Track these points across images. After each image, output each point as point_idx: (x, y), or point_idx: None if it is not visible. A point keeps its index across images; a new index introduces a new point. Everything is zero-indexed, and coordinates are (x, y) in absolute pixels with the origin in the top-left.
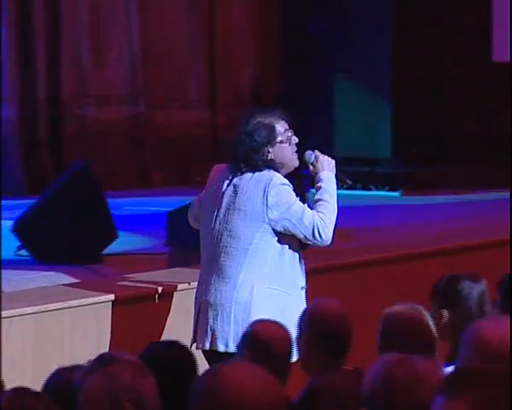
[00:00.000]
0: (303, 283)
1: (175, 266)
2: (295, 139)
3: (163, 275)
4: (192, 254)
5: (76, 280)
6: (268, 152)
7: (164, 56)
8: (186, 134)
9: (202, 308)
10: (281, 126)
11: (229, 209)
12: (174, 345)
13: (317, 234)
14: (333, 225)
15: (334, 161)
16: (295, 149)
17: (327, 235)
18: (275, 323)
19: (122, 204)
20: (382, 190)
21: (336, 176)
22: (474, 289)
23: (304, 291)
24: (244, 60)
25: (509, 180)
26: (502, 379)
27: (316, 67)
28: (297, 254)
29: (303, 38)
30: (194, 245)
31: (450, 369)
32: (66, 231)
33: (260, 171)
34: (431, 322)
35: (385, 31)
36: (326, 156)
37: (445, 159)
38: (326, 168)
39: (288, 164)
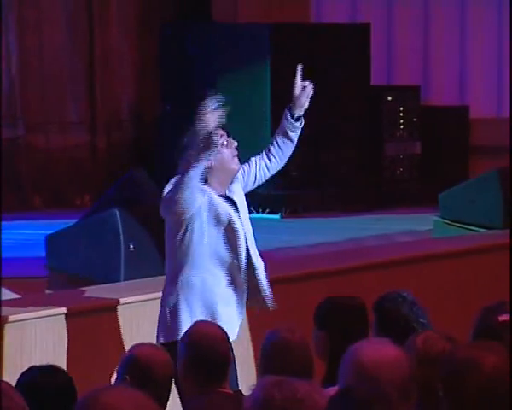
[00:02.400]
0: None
1: (54, 290)
2: (234, 143)
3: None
4: (71, 277)
5: None
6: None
7: (42, 78)
8: (65, 157)
9: None
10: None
11: None
12: (53, 369)
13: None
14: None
15: None
16: (235, 152)
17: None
18: (155, 347)
19: None
20: (262, 212)
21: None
22: (352, 312)
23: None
24: (124, 82)
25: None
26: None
27: (196, 89)
28: (219, 247)
29: (183, 60)
30: (72, 268)
31: (330, 390)
32: None
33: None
34: (310, 344)
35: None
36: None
37: (324, 182)
38: None
39: (224, 166)
